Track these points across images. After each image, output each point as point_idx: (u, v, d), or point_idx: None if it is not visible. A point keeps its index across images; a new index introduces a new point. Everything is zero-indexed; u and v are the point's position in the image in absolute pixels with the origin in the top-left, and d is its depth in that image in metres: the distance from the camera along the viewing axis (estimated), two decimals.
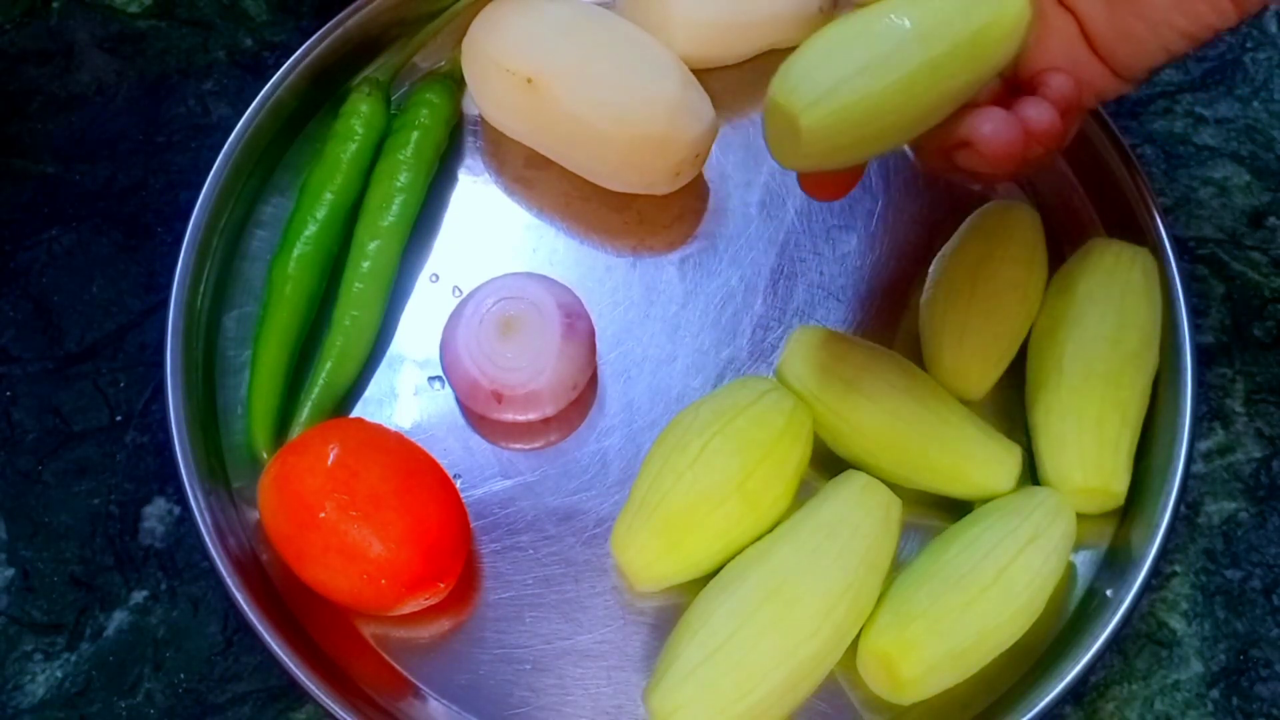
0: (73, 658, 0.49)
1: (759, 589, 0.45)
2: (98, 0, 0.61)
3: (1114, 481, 0.49)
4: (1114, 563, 0.50)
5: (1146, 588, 0.48)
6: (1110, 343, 0.50)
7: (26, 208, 0.57)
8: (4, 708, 0.48)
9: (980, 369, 0.51)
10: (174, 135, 0.58)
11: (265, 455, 0.50)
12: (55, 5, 0.61)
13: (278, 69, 0.55)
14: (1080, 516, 0.48)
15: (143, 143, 0.58)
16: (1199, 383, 0.52)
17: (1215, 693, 0.49)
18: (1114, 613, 0.47)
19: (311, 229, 0.53)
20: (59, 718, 0.48)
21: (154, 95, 0.59)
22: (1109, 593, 0.48)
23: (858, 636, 0.46)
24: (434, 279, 0.55)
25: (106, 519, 0.51)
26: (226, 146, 0.54)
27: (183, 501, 0.49)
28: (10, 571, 0.50)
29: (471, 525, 0.49)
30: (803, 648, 0.44)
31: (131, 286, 0.55)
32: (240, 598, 0.46)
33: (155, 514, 0.51)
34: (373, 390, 0.53)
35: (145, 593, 0.50)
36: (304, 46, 0.56)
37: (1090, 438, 0.49)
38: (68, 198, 0.57)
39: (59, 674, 0.49)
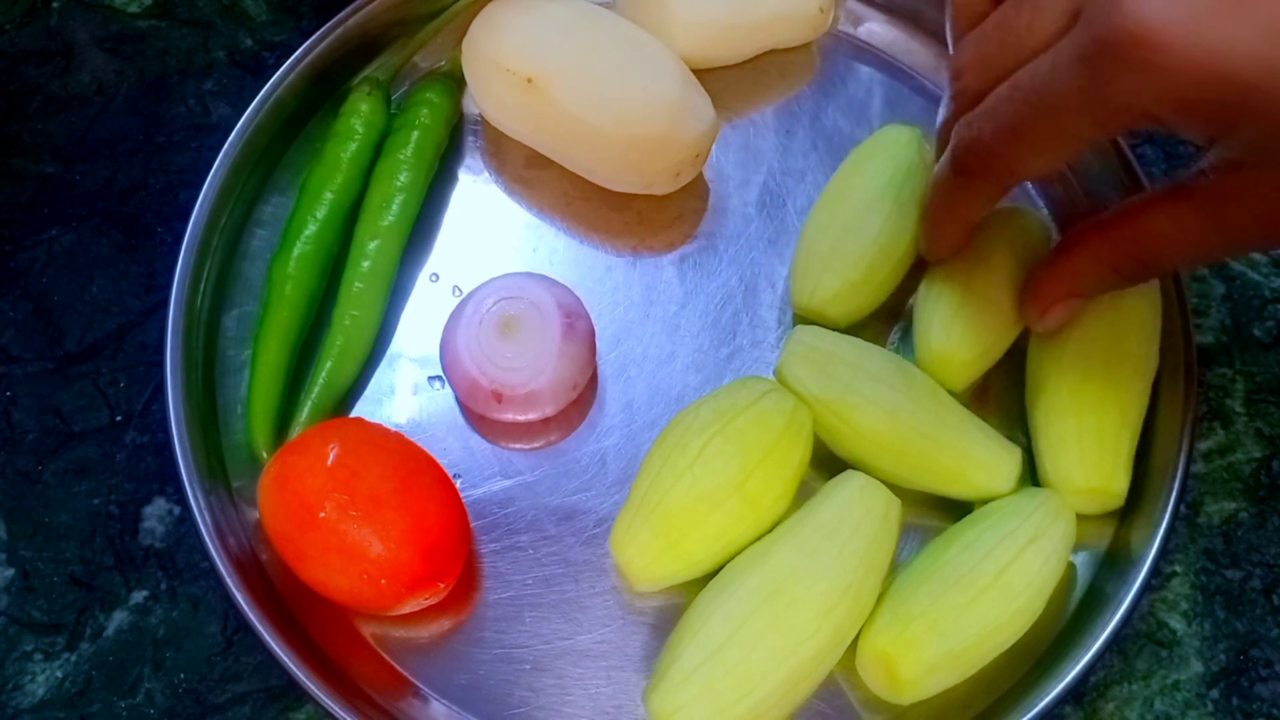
0: (73, 658, 0.49)
1: (758, 589, 0.45)
2: (98, 0, 0.61)
3: (1114, 482, 0.49)
4: (1114, 563, 0.49)
5: (1146, 588, 0.48)
6: (1110, 343, 0.50)
7: (26, 208, 0.57)
8: (4, 708, 0.48)
9: (968, 355, 0.51)
10: (174, 135, 0.58)
11: (265, 455, 0.50)
12: (55, 5, 0.61)
13: (278, 69, 0.55)
14: (1080, 517, 0.48)
15: (143, 143, 0.58)
16: (1199, 383, 0.52)
17: (1215, 693, 0.49)
18: (1114, 613, 0.47)
19: (311, 228, 0.53)
20: (59, 718, 0.48)
21: (154, 95, 0.59)
22: (1109, 591, 0.48)
23: (857, 637, 0.46)
24: (434, 278, 0.55)
25: (106, 519, 0.51)
26: (226, 146, 0.54)
27: (183, 501, 0.49)
28: (10, 571, 0.50)
29: (471, 525, 0.49)
30: (802, 648, 0.44)
31: (131, 286, 0.55)
32: (240, 598, 0.46)
33: (155, 514, 0.51)
34: (372, 390, 0.53)
35: (145, 593, 0.50)
36: (304, 46, 0.56)
37: (1090, 438, 0.49)
38: (68, 198, 0.57)
39: (59, 674, 0.49)
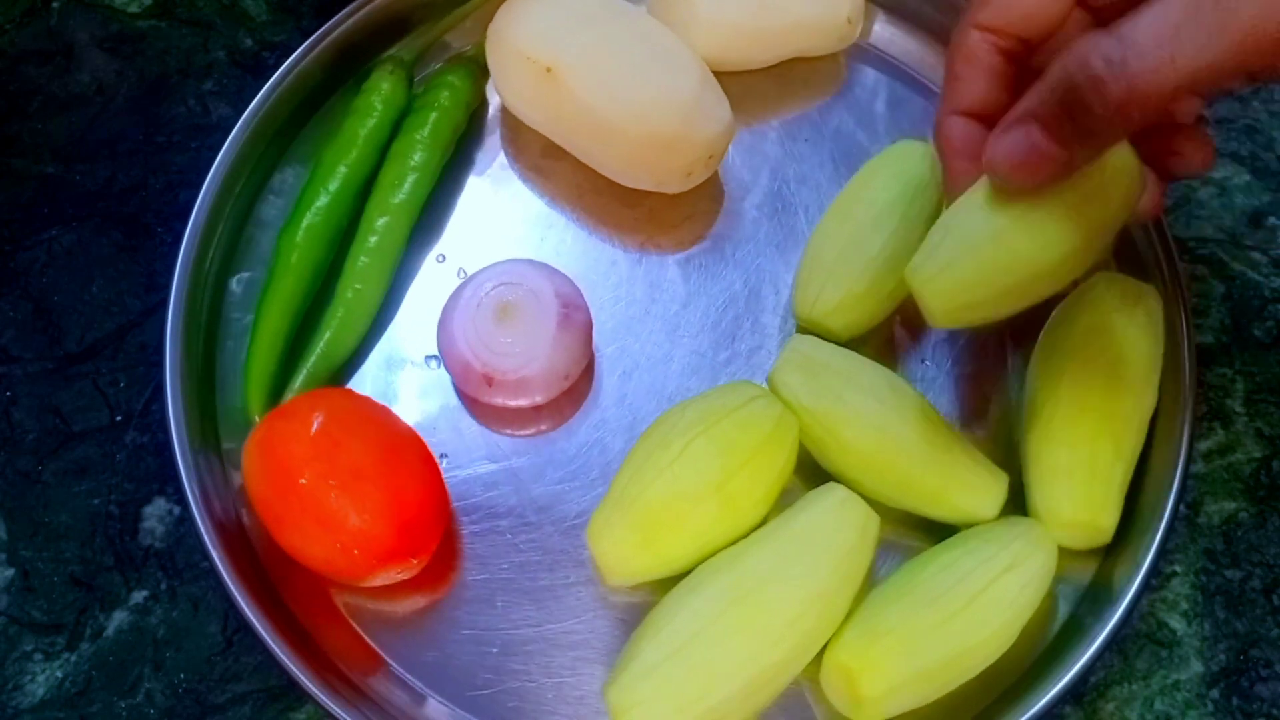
0: (73, 658, 0.49)
1: (727, 592, 0.45)
2: (98, 0, 0.61)
3: (1103, 516, 0.48)
4: (1105, 577, 0.49)
5: (1146, 587, 0.48)
6: (1108, 377, 0.49)
7: (26, 208, 0.57)
8: (4, 708, 0.48)
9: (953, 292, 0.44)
10: (174, 135, 0.58)
11: (257, 418, 0.50)
12: (55, 5, 0.61)
13: (278, 69, 0.55)
14: (1067, 548, 0.48)
15: (143, 143, 0.58)
16: (1199, 383, 0.52)
17: (1215, 693, 0.49)
18: (1114, 612, 0.47)
19: (323, 201, 0.53)
20: (59, 718, 0.48)
21: (154, 95, 0.59)
22: (1089, 620, 0.48)
23: (825, 649, 0.46)
24: (440, 259, 0.55)
25: (106, 519, 0.51)
26: (228, 143, 0.54)
27: (183, 501, 0.49)
28: (10, 571, 0.50)
29: (453, 505, 0.50)
30: (766, 654, 0.44)
31: (131, 286, 0.55)
32: (240, 598, 0.46)
33: (155, 514, 0.51)
34: (370, 364, 0.53)
35: (145, 593, 0.50)
36: (325, 27, 0.56)
37: (1082, 470, 0.48)
38: (68, 198, 0.57)
39: (59, 674, 0.49)
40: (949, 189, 0.46)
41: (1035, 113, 0.39)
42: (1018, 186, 0.42)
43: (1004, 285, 0.43)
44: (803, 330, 0.53)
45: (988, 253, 0.43)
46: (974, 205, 0.44)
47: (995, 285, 0.43)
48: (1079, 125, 0.38)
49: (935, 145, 0.46)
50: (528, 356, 0.50)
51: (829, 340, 0.51)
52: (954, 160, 0.45)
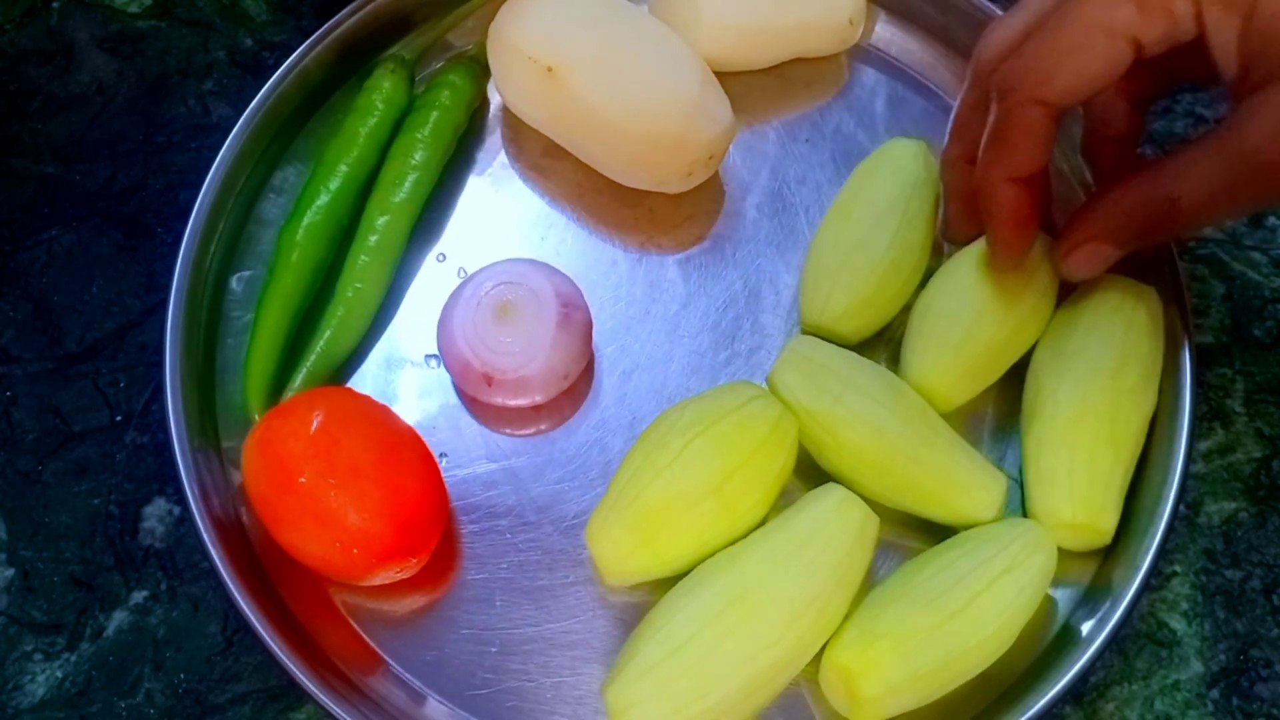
0: (73, 658, 0.49)
1: (724, 593, 0.45)
2: (98, 0, 0.61)
3: (1102, 518, 0.48)
4: (1105, 577, 0.49)
5: (1146, 587, 0.48)
6: (1109, 378, 0.49)
7: (26, 208, 0.57)
8: (4, 708, 0.48)
9: (954, 379, 0.50)
10: (174, 135, 0.58)
11: (257, 417, 0.50)
12: (55, 5, 0.61)
13: (278, 69, 0.55)
14: (1069, 551, 0.48)
15: (143, 143, 0.58)
16: (1199, 383, 0.52)
17: (1215, 693, 0.49)
18: (1114, 613, 0.47)
19: (323, 199, 0.53)
20: (59, 718, 0.48)
21: (154, 95, 0.59)
22: (1084, 628, 0.48)
23: (823, 650, 0.46)
24: (441, 259, 0.55)
25: (106, 519, 0.51)
26: (228, 142, 0.54)
27: (183, 501, 0.49)
28: (10, 571, 0.50)
29: (452, 505, 0.50)
30: (763, 655, 0.44)
31: (131, 286, 0.55)
32: (240, 598, 0.46)
33: (155, 514, 0.51)
34: (370, 363, 0.53)
35: (145, 593, 0.50)
36: (325, 26, 0.56)
37: (1081, 472, 0.48)
38: (68, 198, 0.57)
39: (59, 674, 0.49)
40: (1003, 252, 0.50)
41: (1104, 235, 0.48)
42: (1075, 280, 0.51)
43: (994, 354, 0.51)
44: (808, 334, 0.53)
45: (975, 332, 0.50)
46: (952, 293, 0.51)
47: (988, 356, 0.51)
48: (1141, 241, 0.48)
49: (980, 206, 0.49)
50: (527, 356, 0.50)
51: (838, 344, 0.51)
52: (1012, 228, 0.49)
